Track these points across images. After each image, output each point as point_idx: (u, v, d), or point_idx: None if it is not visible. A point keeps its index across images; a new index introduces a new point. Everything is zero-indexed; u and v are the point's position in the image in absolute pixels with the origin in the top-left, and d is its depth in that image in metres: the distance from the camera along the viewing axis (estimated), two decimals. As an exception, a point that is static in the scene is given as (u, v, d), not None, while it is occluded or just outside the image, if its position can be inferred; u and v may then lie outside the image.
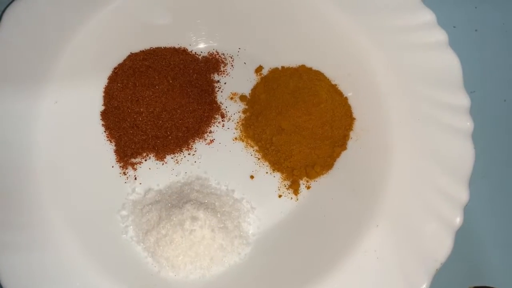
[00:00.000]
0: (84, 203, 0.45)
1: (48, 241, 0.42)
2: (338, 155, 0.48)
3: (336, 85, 0.49)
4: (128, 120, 0.48)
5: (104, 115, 0.48)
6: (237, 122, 0.50)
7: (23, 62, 0.45)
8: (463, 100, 0.44)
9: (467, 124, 0.43)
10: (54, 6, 0.45)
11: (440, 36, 0.45)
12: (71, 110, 0.47)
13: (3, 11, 0.45)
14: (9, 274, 0.39)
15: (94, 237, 0.43)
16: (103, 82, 0.49)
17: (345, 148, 0.48)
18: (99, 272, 0.42)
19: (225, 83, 0.51)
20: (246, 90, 0.51)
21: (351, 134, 0.48)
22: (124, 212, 0.46)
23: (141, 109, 0.48)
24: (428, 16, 0.46)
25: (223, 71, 0.51)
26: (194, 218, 0.43)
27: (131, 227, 0.45)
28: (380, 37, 0.48)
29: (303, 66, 0.50)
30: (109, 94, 0.49)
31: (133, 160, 0.48)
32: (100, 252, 0.43)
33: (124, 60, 0.49)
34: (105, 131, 0.48)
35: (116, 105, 0.48)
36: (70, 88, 0.47)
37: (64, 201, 0.44)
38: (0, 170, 0.42)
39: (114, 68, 0.49)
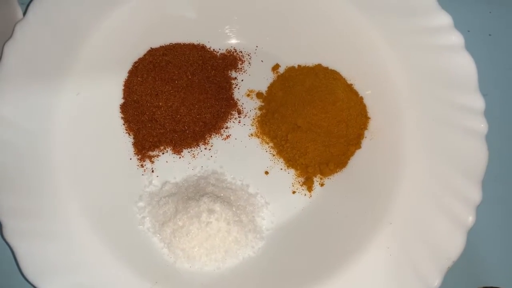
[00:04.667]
0: (101, 194, 0.46)
1: (67, 229, 0.43)
2: (352, 153, 0.49)
3: (352, 84, 0.50)
4: (147, 113, 0.49)
5: (124, 108, 0.49)
6: (253, 119, 0.51)
7: (47, 55, 0.46)
8: (478, 102, 0.45)
9: (481, 126, 0.44)
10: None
11: (457, 39, 0.46)
12: (91, 102, 0.48)
13: (28, 5, 0.46)
14: (28, 261, 0.40)
15: (111, 227, 0.44)
16: (123, 75, 0.50)
17: (359, 147, 0.49)
18: (116, 261, 0.43)
19: (242, 80, 0.52)
20: (263, 88, 0.52)
21: (366, 133, 0.49)
22: (141, 204, 0.47)
23: (160, 103, 0.49)
24: (445, 19, 0.47)
25: (241, 68, 0.52)
26: (210, 211, 0.44)
27: (148, 218, 0.46)
28: (397, 38, 0.48)
29: (319, 65, 0.51)
30: (129, 88, 0.49)
31: (151, 153, 0.49)
32: (117, 242, 0.44)
33: (144, 55, 0.50)
34: (124, 124, 0.49)
35: (135, 98, 0.49)
36: (91, 81, 0.48)
37: (82, 191, 0.45)
38: (20, 160, 0.43)
39: (134, 63, 0.50)
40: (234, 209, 0.46)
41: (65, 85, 0.46)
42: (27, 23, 0.45)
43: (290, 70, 0.52)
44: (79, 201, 0.44)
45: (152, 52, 0.50)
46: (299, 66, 0.52)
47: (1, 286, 0.44)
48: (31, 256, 0.40)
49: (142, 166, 0.48)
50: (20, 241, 0.41)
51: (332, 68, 0.51)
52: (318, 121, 0.48)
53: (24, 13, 0.46)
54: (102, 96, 0.49)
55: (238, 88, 0.51)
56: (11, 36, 0.45)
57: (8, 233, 0.40)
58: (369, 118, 0.49)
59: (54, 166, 0.44)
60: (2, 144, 0.43)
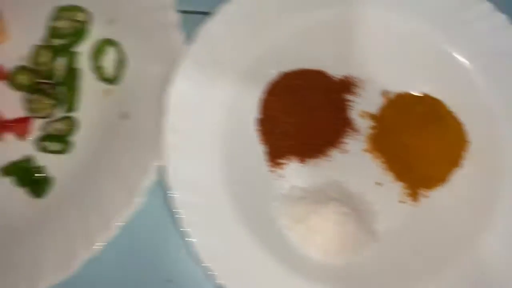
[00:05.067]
0: (248, 193, 0.54)
1: (225, 222, 0.52)
2: (453, 171, 0.57)
3: (454, 112, 0.59)
4: (280, 128, 0.58)
5: (260, 122, 0.58)
6: (367, 137, 0.59)
7: (208, 77, 0.55)
8: None
9: None
10: (240, 25, 0.56)
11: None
12: (236, 117, 0.57)
13: (187, 30, 0.55)
14: (200, 247, 0.49)
15: (257, 222, 0.53)
16: (257, 94, 0.59)
17: (460, 166, 0.57)
18: (264, 252, 0.52)
19: (356, 103, 0.60)
20: (373, 110, 0.60)
21: (466, 155, 0.57)
22: (275, 203, 0.55)
23: (292, 120, 0.58)
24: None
25: (355, 92, 0.61)
26: (340, 213, 0.53)
27: (283, 216, 0.55)
28: (496, 75, 0.57)
29: (426, 95, 0.60)
30: (266, 105, 0.58)
31: (281, 161, 0.58)
32: (262, 235, 0.53)
33: (280, 78, 0.59)
34: (259, 136, 0.58)
35: (270, 114, 0.58)
36: (237, 99, 0.57)
37: (234, 190, 0.54)
38: (188, 162, 0.52)
39: (271, 84, 0.59)
40: (356, 214, 0.54)
41: (220, 102, 0.55)
42: (194, 49, 0.54)
43: (400, 96, 0.60)
44: (233, 199, 0.53)
45: (286, 76, 0.59)
46: (406, 93, 0.60)
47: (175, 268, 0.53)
48: (201, 243, 0.49)
49: (274, 172, 0.57)
50: (193, 231, 0.50)
51: (437, 97, 0.59)
52: (425, 142, 0.57)
53: (185, 38, 0.55)
54: (243, 111, 0.57)
55: (353, 110, 0.60)
56: (180, 61, 0.54)
57: (184, 224, 0.49)
58: (469, 142, 0.58)
59: (212, 167, 0.53)
60: (175, 148, 0.52)
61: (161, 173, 0.51)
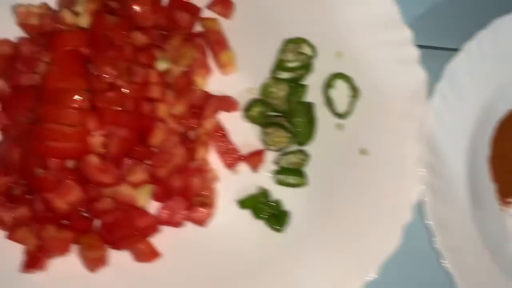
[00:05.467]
0: (490, 231, 0.55)
1: (481, 262, 0.53)
2: None
3: None
4: (510, 166, 0.58)
5: (491, 160, 0.58)
6: None
7: (451, 113, 0.55)
8: None
9: None
10: (480, 63, 0.57)
11: None
12: (473, 152, 0.57)
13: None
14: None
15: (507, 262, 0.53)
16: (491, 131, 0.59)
17: None
18: None
19: None
20: None
21: None
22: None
23: (522, 158, 0.58)
24: None
25: None
26: None
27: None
28: None
29: None
30: (496, 143, 0.58)
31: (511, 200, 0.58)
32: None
33: (508, 116, 0.59)
34: (490, 174, 0.58)
35: (501, 153, 0.58)
36: (473, 135, 0.57)
37: (483, 230, 0.54)
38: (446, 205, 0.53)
39: (501, 122, 0.59)
40: None
41: (462, 140, 0.56)
42: (441, 86, 0.54)
43: None
44: (482, 239, 0.54)
45: (514, 113, 0.59)
46: None
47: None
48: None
49: (505, 210, 0.57)
50: (458, 272, 0.50)
51: None
52: None
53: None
54: (478, 149, 0.58)
55: None
56: (428, 98, 0.54)
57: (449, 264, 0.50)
58: None
59: (461, 205, 0.54)
60: (432, 187, 0.52)
61: (417, 211, 0.52)
